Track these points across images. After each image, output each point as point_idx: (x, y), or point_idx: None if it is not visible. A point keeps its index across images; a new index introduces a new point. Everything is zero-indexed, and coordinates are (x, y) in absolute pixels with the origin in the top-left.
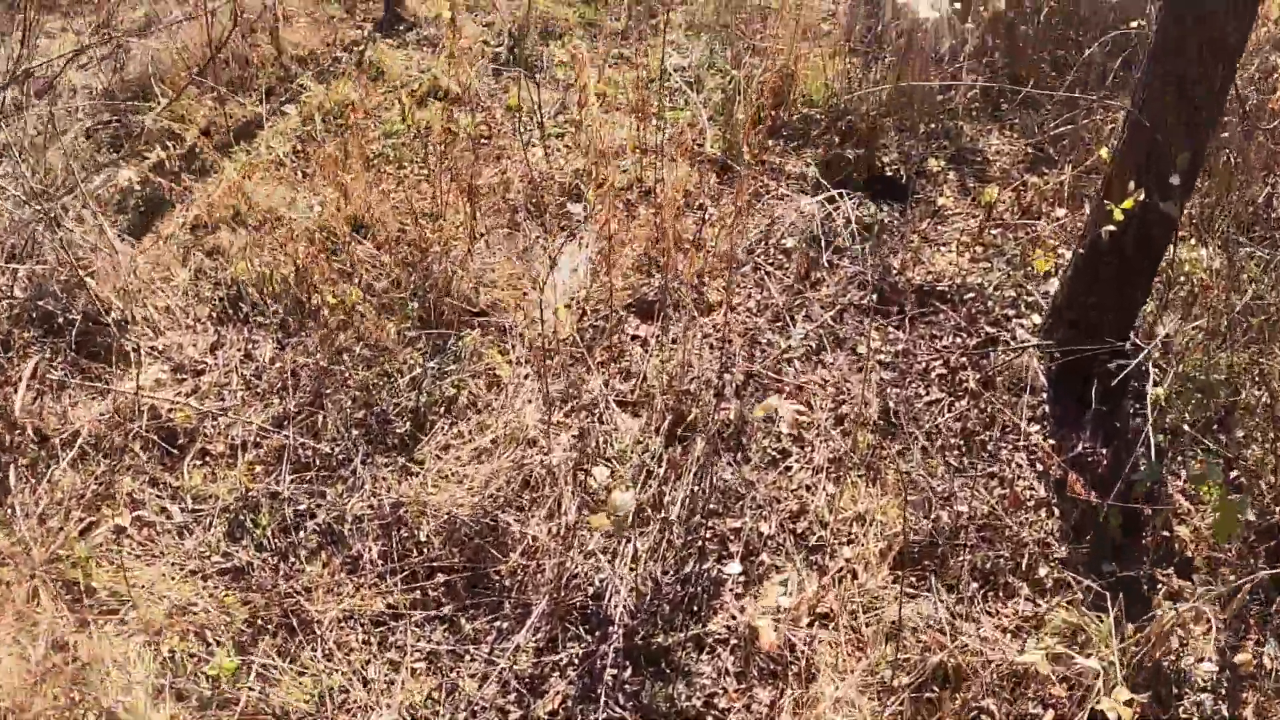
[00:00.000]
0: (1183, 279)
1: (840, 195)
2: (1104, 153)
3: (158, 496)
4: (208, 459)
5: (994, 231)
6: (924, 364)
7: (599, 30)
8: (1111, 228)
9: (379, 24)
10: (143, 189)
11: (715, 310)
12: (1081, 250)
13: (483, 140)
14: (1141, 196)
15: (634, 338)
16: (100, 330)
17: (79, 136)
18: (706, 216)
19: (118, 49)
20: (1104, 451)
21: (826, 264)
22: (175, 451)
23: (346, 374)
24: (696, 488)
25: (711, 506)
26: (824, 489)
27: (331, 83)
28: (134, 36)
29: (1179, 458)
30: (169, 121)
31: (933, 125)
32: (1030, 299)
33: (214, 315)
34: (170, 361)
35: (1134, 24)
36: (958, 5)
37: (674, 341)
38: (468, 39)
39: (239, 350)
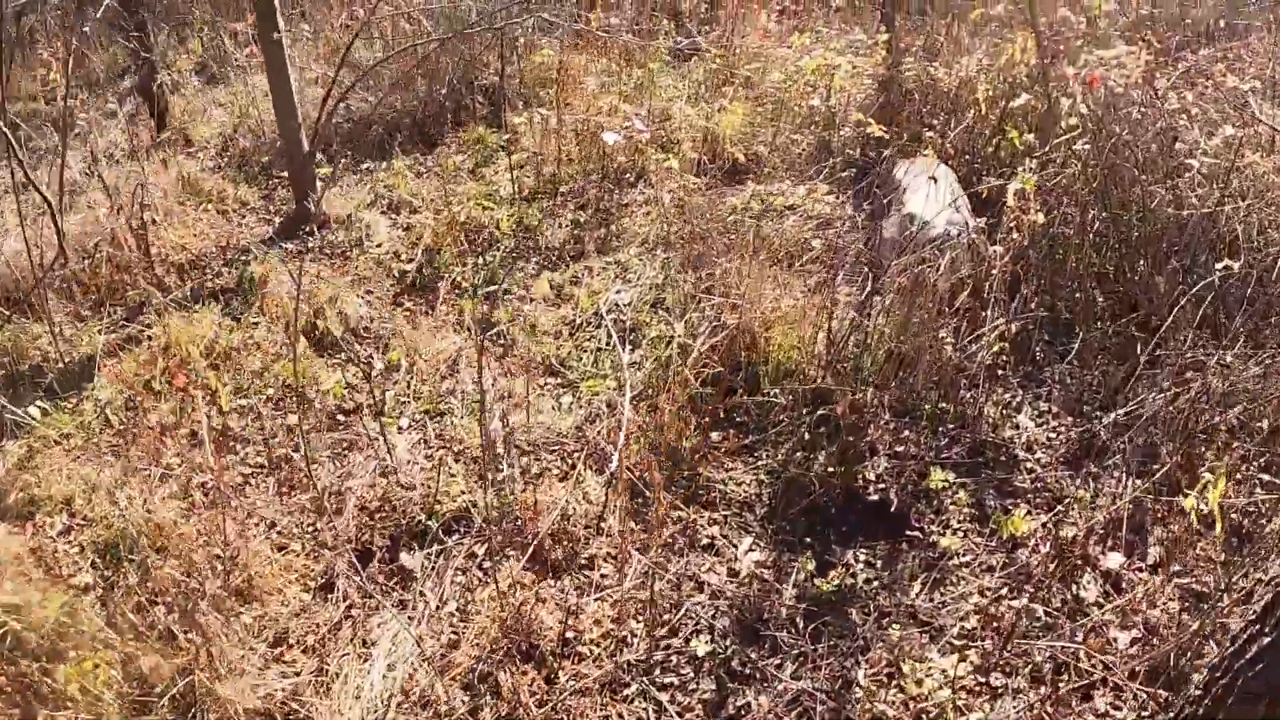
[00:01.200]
0: None
1: (796, 543)
2: None
3: None
4: None
5: (1019, 601)
6: None
7: (533, 243)
8: None
9: (285, 223)
10: None
11: None
12: None
13: (339, 416)
14: None
15: None
16: None
17: None
18: (591, 590)
19: None
20: None
21: (758, 676)
22: None
23: None
24: None
25: None
26: None
27: (197, 309)
28: None
29: None
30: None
31: (942, 405)
32: None
33: None
34: None
35: (1220, 266)
36: (982, 221)
37: None
38: (373, 254)
39: None
